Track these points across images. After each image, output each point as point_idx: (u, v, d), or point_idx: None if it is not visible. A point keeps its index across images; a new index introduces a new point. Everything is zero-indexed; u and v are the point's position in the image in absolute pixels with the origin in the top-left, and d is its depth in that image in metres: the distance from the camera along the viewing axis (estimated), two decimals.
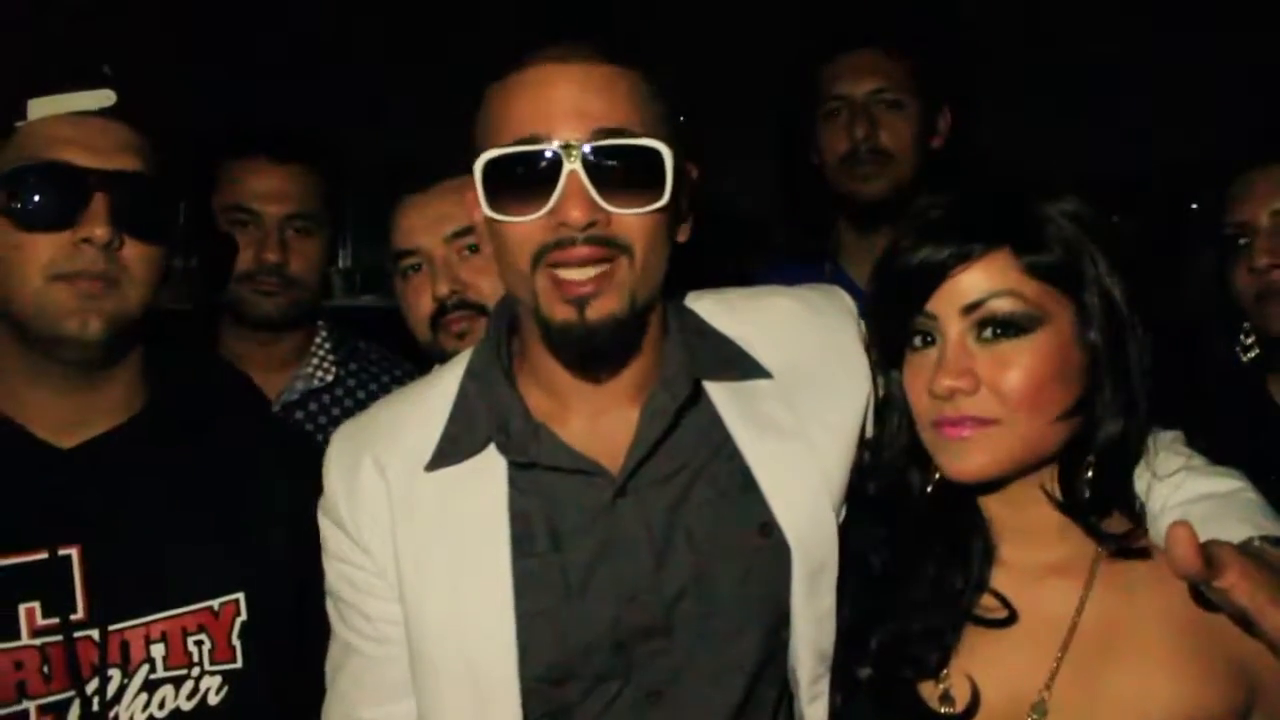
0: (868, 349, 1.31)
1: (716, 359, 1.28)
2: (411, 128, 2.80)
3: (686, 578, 1.21)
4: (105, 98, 1.29)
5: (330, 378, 2.01)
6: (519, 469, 1.22)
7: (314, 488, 1.31)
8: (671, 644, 1.21)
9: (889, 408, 1.27)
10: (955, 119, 2.21)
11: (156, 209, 1.33)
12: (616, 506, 1.21)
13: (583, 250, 1.13)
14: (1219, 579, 0.95)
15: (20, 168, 1.27)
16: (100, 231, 1.26)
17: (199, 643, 1.33)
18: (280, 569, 1.38)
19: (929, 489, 1.23)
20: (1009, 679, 1.17)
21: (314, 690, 1.34)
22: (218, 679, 1.34)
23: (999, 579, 1.21)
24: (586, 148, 1.12)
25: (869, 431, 1.32)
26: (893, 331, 1.21)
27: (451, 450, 1.24)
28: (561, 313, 1.14)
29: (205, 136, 1.96)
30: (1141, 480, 1.20)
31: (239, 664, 1.36)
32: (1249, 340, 1.81)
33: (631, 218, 1.14)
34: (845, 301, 1.39)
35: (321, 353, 2.03)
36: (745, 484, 1.24)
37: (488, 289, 1.59)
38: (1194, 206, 1.89)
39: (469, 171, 1.18)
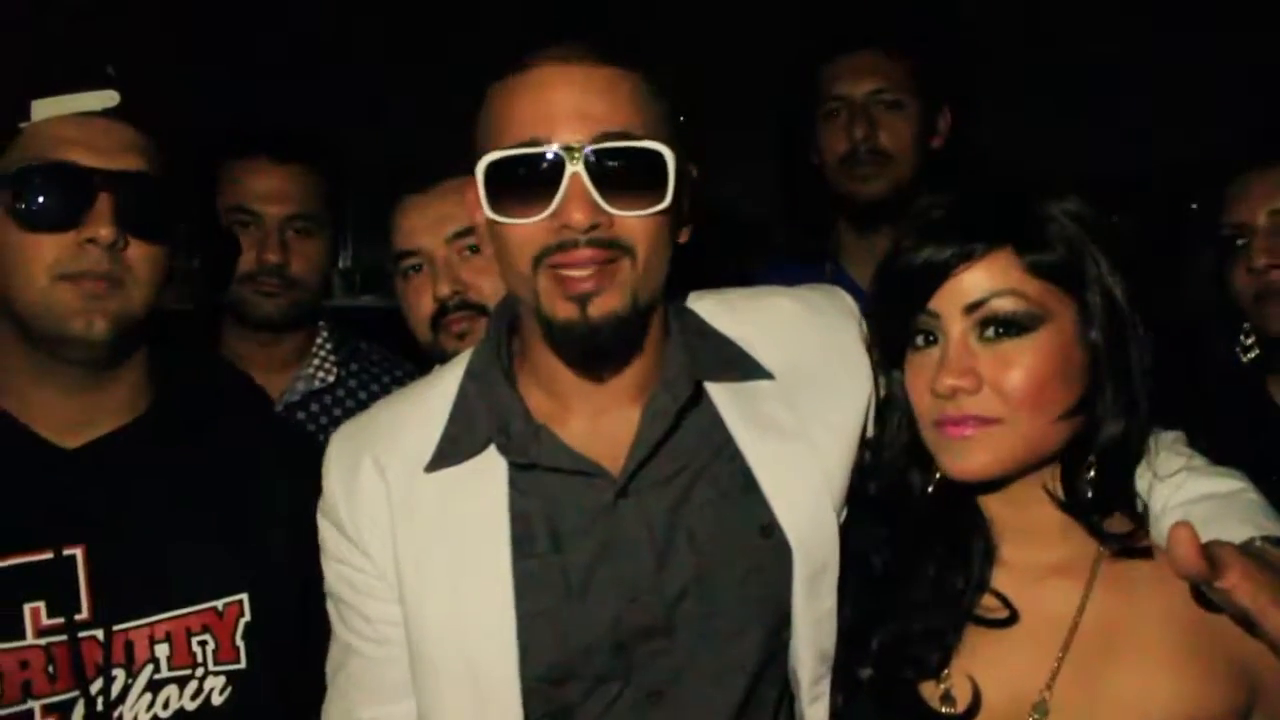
0: (869, 349, 1.31)
1: (717, 360, 1.29)
2: (411, 128, 2.80)
3: (687, 578, 1.21)
4: (109, 98, 1.30)
5: (331, 378, 2.01)
6: (519, 470, 1.22)
7: (316, 488, 1.31)
8: (672, 644, 1.21)
9: (890, 408, 1.28)
10: (955, 119, 2.22)
11: (160, 209, 1.33)
12: (617, 507, 1.21)
13: (585, 252, 1.13)
14: (1221, 580, 0.95)
15: (25, 168, 1.27)
16: (105, 232, 1.26)
17: (203, 643, 1.34)
18: (283, 569, 1.38)
19: (930, 489, 1.23)
20: (1010, 679, 1.17)
21: (317, 690, 1.35)
22: (222, 679, 1.35)
23: (1000, 579, 1.21)
24: (589, 150, 1.12)
25: (870, 432, 1.32)
26: (895, 331, 1.21)
27: (451, 451, 1.24)
28: (564, 310, 1.15)
29: (206, 137, 1.96)
30: (1143, 480, 1.20)
31: (243, 664, 1.36)
32: (1249, 341, 1.81)
33: (633, 219, 1.15)
34: (846, 302, 1.39)
35: (323, 353, 2.03)
36: (746, 485, 1.24)
37: (489, 289, 1.59)
38: (1194, 206, 1.90)
39: (470, 172, 1.18)
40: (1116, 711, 1.12)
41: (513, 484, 1.22)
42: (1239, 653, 1.10)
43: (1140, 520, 1.18)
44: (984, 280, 1.13)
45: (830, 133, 2.16)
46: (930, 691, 1.19)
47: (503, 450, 1.22)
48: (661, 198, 1.15)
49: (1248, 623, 1.00)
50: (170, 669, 1.32)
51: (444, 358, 1.52)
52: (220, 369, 1.73)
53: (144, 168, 1.31)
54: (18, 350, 1.32)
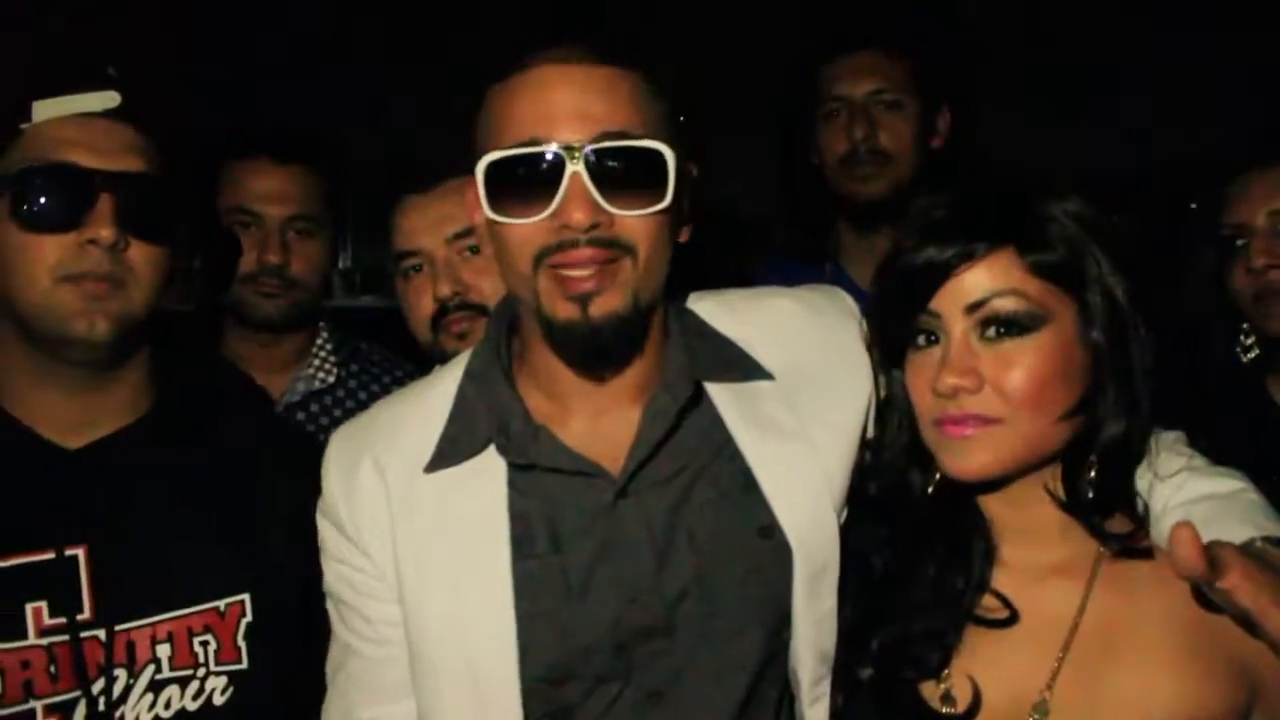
0: (869, 349, 1.31)
1: (718, 360, 1.29)
2: (411, 128, 2.80)
3: (688, 578, 1.21)
4: (110, 99, 1.30)
5: (332, 379, 2.01)
6: (518, 470, 1.22)
7: (317, 488, 1.31)
8: (673, 645, 1.21)
9: (890, 408, 1.28)
10: (955, 119, 2.22)
11: (161, 210, 1.33)
12: (617, 507, 1.21)
13: (586, 252, 1.13)
14: (1221, 580, 0.95)
15: (26, 169, 1.27)
16: (106, 233, 1.26)
17: (205, 643, 1.34)
18: (284, 570, 1.38)
19: (930, 489, 1.23)
20: (1010, 679, 1.17)
21: (318, 690, 1.35)
22: (223, 679, 1.35)
23: (1000, 579, 1.21)
24: (589, 150, 1.12)
25: (870, 432, 1.32)
26: (896, 330, 1.21)
27: (451, 451, 1.24)
28: (564, 310, 1.15)
29: (206, 137, 1.96)
30: (1143, 480, 1.20)
31: (244, 664, 1.36)
32: (1249, 341, 1.81)
33: (634, 219, 1.15)
34: (846, 302, 1.39)
35: (323, 354, 2.03)
36: (746, 485, 1.24)
37: (489, 290, 1.59)
38: (1193, 206, 1.90)
39: (470, 172, 1.18)
40: (1117, 711, 1.12)
41: (512, 484, 1.22)
42: (1239, 653, 1.10)
43: (1140, 520, 1.18)
44: (985, 280, 1.13)
45: (830, 133, 2.17)
46: (930, 692, 1.19)
47: (502, 451, 1.22)
48: (662, 197, 1.15)
49: (1248, 623, 1.00)
50: (172, 669, 1.32)
51: (444, 358, 1.52)
52: (221, 369, 1.73)
53: (145, 168, 1.31)
54: (20, 351, 1.32)
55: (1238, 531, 1.08)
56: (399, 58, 3.12)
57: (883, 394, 1.30)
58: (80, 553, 1.29)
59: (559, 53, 1.16)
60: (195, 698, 1.33)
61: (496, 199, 1.16)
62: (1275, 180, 1.69)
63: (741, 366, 1.29)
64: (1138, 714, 1.11)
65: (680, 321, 1.29)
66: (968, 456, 1.15)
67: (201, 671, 1.34)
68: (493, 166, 1.15)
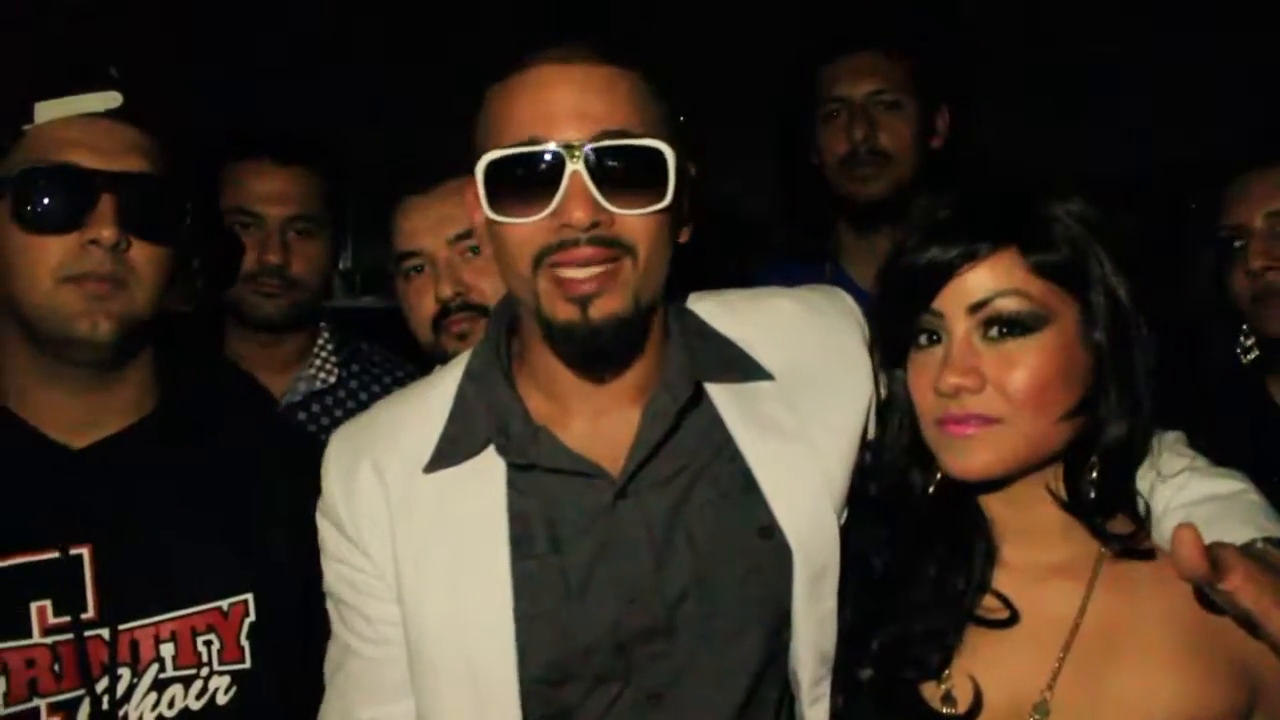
0: (870, 349, 1.31)
1: (718, 361, 1.29)
2: (411, 128, 2.79)
3: (687, 579, 1.21)
4: (112, 99, 1.30)
5: (333, 379, 2.01)
6: (518, 470, 1.22)
7: (318, 488, 1.31)
8: (672, 645, 1.21)
9: (891, 408, 1.28)
10: (954, 119, 2.22)
11: (163, 210, 1.33)
12: (617, 508, 1.21)
13: (586, 251, 1.13)
14: (1223, 581, 0.95)
15: (28, 170, 1.27)
16: (107, 233, 1.26)
17: (208, 643, 1.34)
18: (287, 570, 1.38)
19: (930, 489, 1.23)
20: (1011, 679, 1.17)
21: (320, 690, 1.34)
22: (226, 679, 1.35)
23: (1001, 579, 1.21)
24: (589, 149, 1.12)
25: (871, 433, 1.32)
26: (898, 330, 1.21)
27: (450, 451, 1.24)
28: (564, 312, 1.14)
29: (207, 137, 1.96)
30: (1144, 481, 1.20)
31: (247, 664, 1.36)
32: (1249, 342, 1.81)
33: (634, 218, 1.14)
34: (846, 302, 1.39)
35: (324, 354, 2.03)
36: (746, 485, 1.24)
37: (490, 290, 1.59)
38: (1193, 207, 1.90)
39: (471, 173, 1.18)
40: (1118, 712, 1.12)
41: (511, 484, 1.22)
42: (1240, 653, 1.10)
43: (1142, 521, 1.18)
44: (988, 280, 1.13)
45: (830, 134, 2.17)
46: (931, 692, 1.19)
47: (501, 451, 1.22)
48: (662, 196, 1.15)
49: (1250, 624, 1.01)
50: (175, 668, 1.32)
51: (445, 359, 1.52)
52: (225, 370, 1.73)
53: (147, 169, 1.31)
54: (24, 351, 1.32)
55: (1239, 532, 1.08)
56: (399, 58, 3.11)
57: (883, 394, 1.30)
58: (85, 552, 1.29)
59: (559, 52, 1.16)
60: (199, 697, 1.33)
61: (496, 199, 1.16)
62: (1274, 182, 1.69)
63: (741, 367, 1.29)
64: (1138, 714, 1.11)
65: (680, 321, 1.29)
66: (969, 456, 1.15)
67: (205, 671, 1.34)
68: (492, 166, 1.15)
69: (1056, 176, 1.23)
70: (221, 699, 1.34)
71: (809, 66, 2.22)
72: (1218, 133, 2.46)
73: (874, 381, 1.31)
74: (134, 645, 1.30)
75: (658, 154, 1.15)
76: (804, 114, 2.23)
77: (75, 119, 1.29)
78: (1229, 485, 1.18)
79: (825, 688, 1.26)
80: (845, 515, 1.28)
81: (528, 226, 1.14)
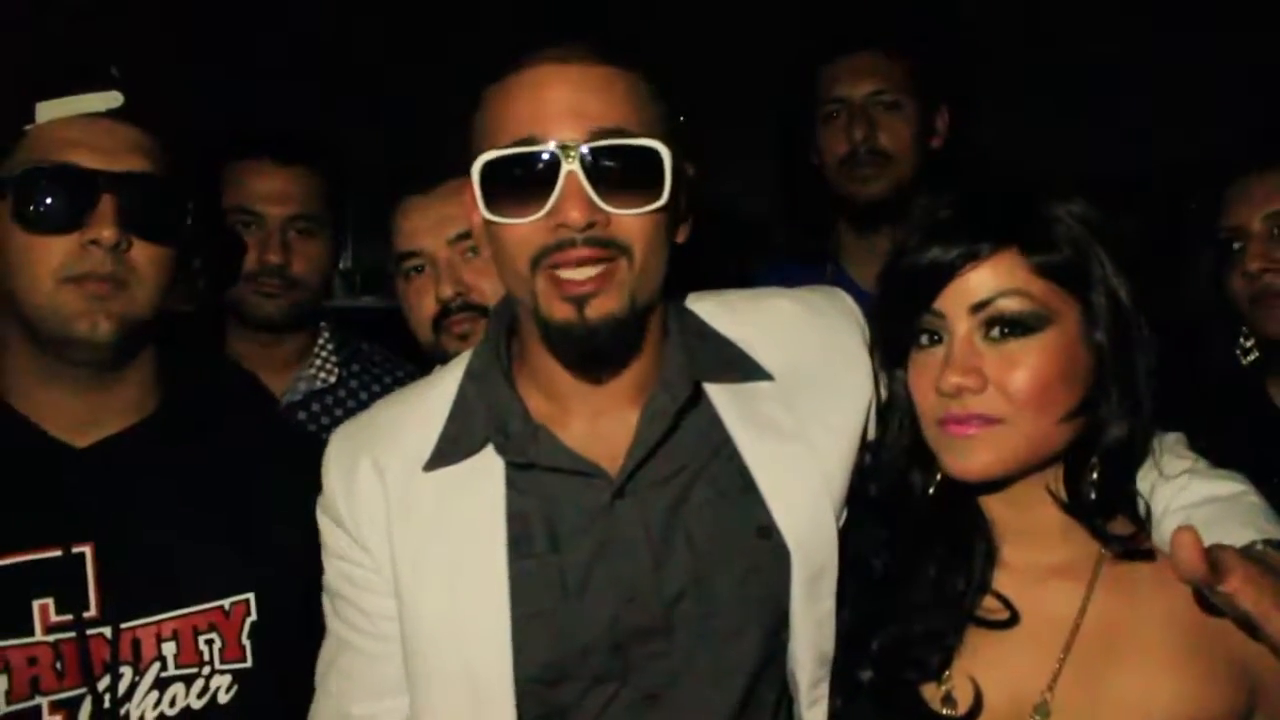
0: (870, 350, 1.32)
1: (717, 361, 1.28)
2: (411, 128, 2.80)
3: (685, 579, 1.21)
4: (113, 99, 1.30)
5: (333, 379, 2.02)
6: (517, 469, 1.22)
7: (319, 487, 1.31)
8: (670, 645, 1.21)
9: (892, 409, 1.28)
10: (954, 118, 2.22)
11: (165, 210, 1.33)
12: (615, 508, 1.21)
13: (582, 251, 1.13)
14: (1223, 583, 0.95)
15: (29, 170, 1.27)
16: (108, 233, 1.26)
17: (210, 642, 1.34)
18: (289, 569, 1.38)
19: (931, 490, 1.23)
20: (1011, 680, 1.17)
21: None
22: (228, 678, 1.35)
23: (1001, 580, 1.22)
24: (585, 148, 1.12)
25: (871, 434, 1.32)
26: (899, 330, 1.21)
27: (450, 450, 1.24)
28: (561, 312, 1.14)
29: (207, 137, 1.96)
30: (1145, 482, 1.20)
31: (249, 663, 1.36)
32: (1248, 343, 1.82)
33: (630, 218, 1.14)
34: (846, 303, 1.39)
35: (324, 354, 2.04)
36: (745, 485, 1.24)
37: (490, 291, 1.59)
38: (1193, 207, 1.91)
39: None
40: (1118, 712, 1.12)
41: (511, 484, 1.22)
42: (1240, 654, 1.10)
43: (1142, 522, 1.18)
44: (990, 280, 1.14)
45: (830, 134, 2.17)
46: (931, 693, 1.19)
47: (500, 450, 1.22)
48: (658, 196, 1.15)
49: (1249, 626, 1.01)
50: (177, 667, 1.33)
51: (445, 359, 1.52)
52: (226, 369, 1.73)
53: (148, 169, 1.31)
54: (25, 350, 1.32)
55: (1239, 534, 1.09)
56: (399, 58, 3.11)
57: (884, 395, 1.30)
58: (87, 550, 1.29)
59: (556, 52, 1.16)
60: (200, 696, 1.33)
61: (492, 199, 1.16)
62: (1272, 184, 1.69)
63: (741, 367, 1.29)
64: (1138, 715, 1.11)
65: (680, 322, 1.29)
66: (970, 456, 1.15)
67: (206, 670, 1.34)
68: (488, 166, 1.15)
69: (1057, 177, 1.24)
70: (223, 698, 1.35)
71: (809, 67, 2.22)
72: (1218, 133, 2.47)
73: (874, 382, 1.31)
74: (136, 644, 1.30)
75: (654, 153, 1.15)
76: (804, 114, 2.23)
77: (76, 119, 1.29)
78: (1229, 487, 1.18)
79: (824, 689, 1.26)
80: (844, 516, 1.28)
81: (524, 227, 1.14)
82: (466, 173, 1.19)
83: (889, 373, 1.28)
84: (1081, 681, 1.15)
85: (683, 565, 1.21)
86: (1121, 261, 1.16)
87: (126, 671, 1.30)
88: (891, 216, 2.10)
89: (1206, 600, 1.07)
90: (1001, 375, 1.13)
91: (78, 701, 1.27)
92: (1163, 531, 1.15)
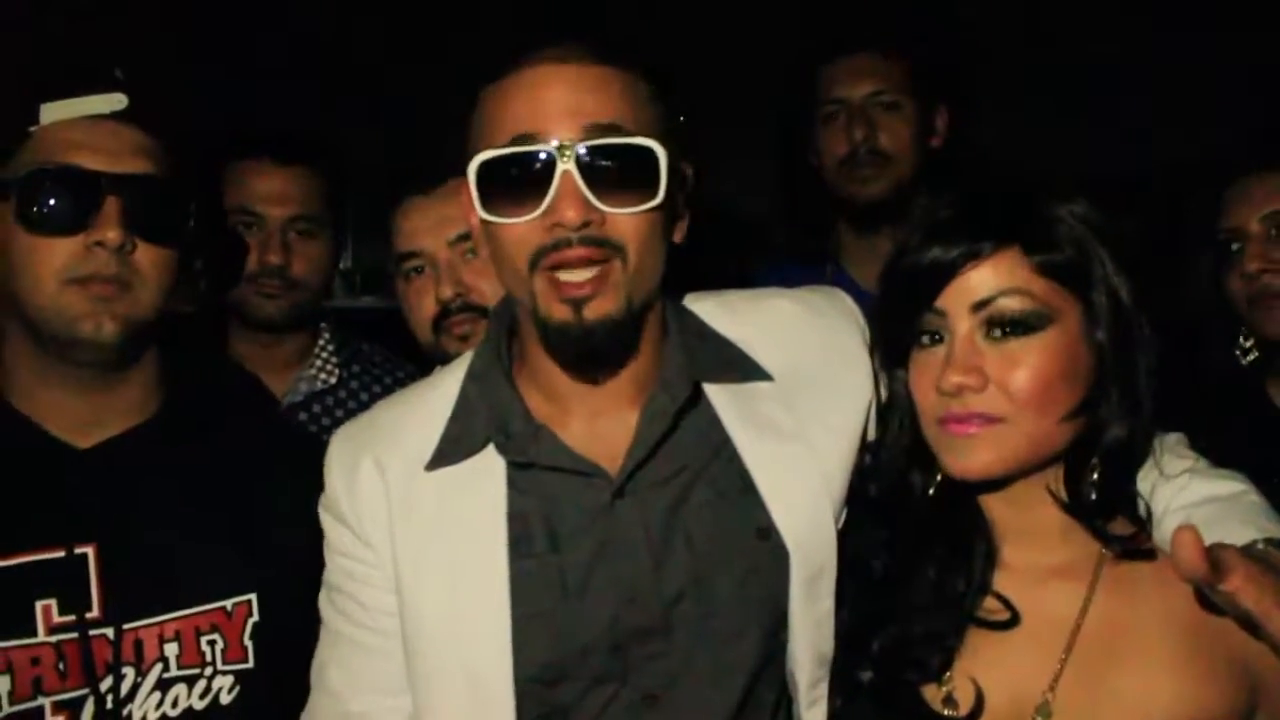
0: (870, 350, 1.32)
1: (717, 361, 1.28)
2: (411, 128, 2.80)
3: (685, 579, 1.21)
4: (117, 101, 1.30)
5: (334, 380, 2.02)
6: (518, 469, 1.22)
7: (321, 488, 1.31)
8: (669, 646, 1.21)
9: (892, 409, 1.28)
10: (953, 118, 2.22)
11: (168, 212, 1.34)
12: (615, 508, 1.21)
13: (578, 251, 1.12)
14: (1224, 582, 0.95)
15: (33, 172, 1.28)
16: (112, 235, 1.27)
17: (212, 642, 1.34)
18: (290, 570, 1.38)
19: (931, 490, 1.23)
20: (1012, 681, 1.17)
21: None
22: (230, 679, 1.35)
23: (1001, 581, 1.22)
24: (581, 148, 1.12)
25: (871, 434, 1.32)
26: (900, 330, 1.21)
27: (452, 450, 1.24)
28: (559, 313, 1.14)
29: (207, 138, 1.96)
30: (1145, 483, 1.20)
31: (251, 664, 1.36)
32: (1248, 343, 1.82)
33: (625, 217, 1.14)
34: (846, 303, 1.39)
35: (325, 355, 2.04)
36: (744, 486, 1.24)
37: (490, 292, 1.59)
38: (1192, 208, 1.91)
39: None
40: (1119, 713, 1.12)
41: (511, 483, 1.22)
42: (1241, 654, 1.11)
43: (1142, 522, 1.19)
44: (991, 279, 1.14)
45: (829, 135, 2.17)
46: (932, 694, 1.19)
47: (501, 450, 1.22)
48: (654, 195, 1.15)
49: (1250, 625, 1.01)
50: (179, 668, 1.33)
51: (445, 359, 1.52)
52: (228, 370, 1.73)
53: (151, 170, 1.31)
54: (28, 351, 1.33)
55: (1240, 534, 1.09)
56: (399, 58, 3.11)
57: (884, 395, 1.30)
58: (89, 551, 1.30)
59: (553, 52, 1.16)
60: (202, 696, 1.34)
61: (488, 199, 1.16)
62: (1271, 185, 1.70)
63: (740, 367, 1.29)
64: (1139, 715, 1.11)
65: (679, 322, 1.29)
66: (971, 455, 1.15)
67: (209, 671, 1.34)
68: (484, 166, 1.15)
69: (1057, 177, 1.24)
70: (225, 699, 1.35)
71: (808, 67, 2.22)
72: (1218, 133, 2.47)
73: (874, 382, 1.31)
74: (138, 645, 1.31)
75: (649, 152, 1.14)
76: (803, 114, 2.23)
77: (80, 120, 1.29)
78: (1229, 486, 1.18)
79: (823, 689, 1.26)
80: (844, 516, 1.28)
81: (521, 227, 1.14)
82: (466, 173, 1.19)
83: (889, 373, 1.27)
84: (1083, 682, 1.15)
85: (682, 566, 1.21)
86: (1122, 261, 1.16)
87: (129, 672, 1.30)
88: (891, 217, 2.10)
89: (1207, 600, 1.07)
90: (1002, 374, 1.13)
91: (80, 702, 1.28)
92: (1163, 531, 1.15)
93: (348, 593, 1.29)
